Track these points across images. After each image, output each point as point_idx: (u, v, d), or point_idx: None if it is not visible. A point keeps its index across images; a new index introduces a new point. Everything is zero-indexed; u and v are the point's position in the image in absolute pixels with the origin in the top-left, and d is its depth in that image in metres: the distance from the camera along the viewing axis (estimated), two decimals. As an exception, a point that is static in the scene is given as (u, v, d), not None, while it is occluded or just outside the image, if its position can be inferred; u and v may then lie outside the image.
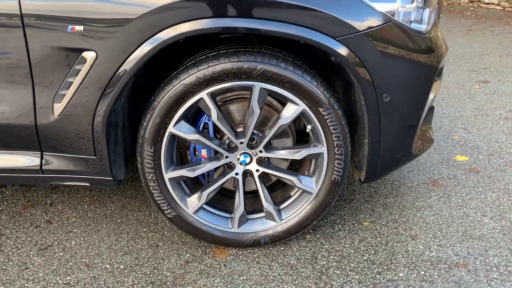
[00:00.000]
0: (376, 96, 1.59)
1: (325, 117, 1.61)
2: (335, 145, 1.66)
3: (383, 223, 2.02)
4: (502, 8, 8.35)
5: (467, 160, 2.61)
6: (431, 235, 1.94)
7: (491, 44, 5.69)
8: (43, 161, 1.68)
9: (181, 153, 1.94)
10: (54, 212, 2.08)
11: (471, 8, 8.90)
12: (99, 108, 1.55)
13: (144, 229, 1.97)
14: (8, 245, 1.86)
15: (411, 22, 1.62)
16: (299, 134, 1.96)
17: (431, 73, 1.68)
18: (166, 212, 1.75)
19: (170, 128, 1.61)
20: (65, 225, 1.99)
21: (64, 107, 1.55)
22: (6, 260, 1.78)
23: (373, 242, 1.90)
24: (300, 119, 1.95)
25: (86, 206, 2.13)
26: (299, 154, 1.70)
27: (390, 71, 1.57)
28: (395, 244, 1.89)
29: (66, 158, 1.67)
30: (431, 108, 2.04)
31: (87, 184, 1.74)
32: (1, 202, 2.14)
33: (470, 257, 1.80)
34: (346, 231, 1.96)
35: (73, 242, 1.88)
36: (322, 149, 1.67)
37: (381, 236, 1.93)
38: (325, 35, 1.47)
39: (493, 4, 8.60)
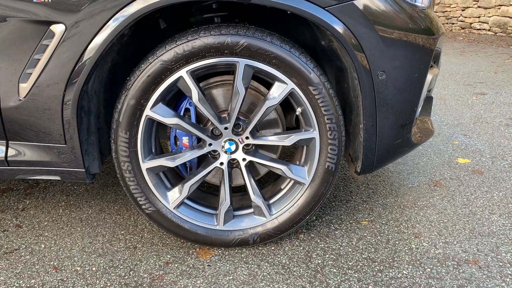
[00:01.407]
0: (370, 73, 1.46)
1: (316, 97, 1.49)
2: (328, 129, 1.53)
3: (383, 222, 1.86)
4: (493, 33, 8.44)
5: (470, 162, 2.47)
6: (436, 233, 1.77)
7: (485, 62, 5.67)
8: (9, 151, 1.53)
9: (162, 144, 1.79)
10: (25, 217, 1.92)
11: (463, 34, 9.00)
12: (68, 89, 1.42)
13: (122, 232, 1.80)
14: (-31, 249, 1.68)
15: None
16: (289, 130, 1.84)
17: (428, 51, 1.57)
18: (143, 207, 1.60)
19: (147, 111, 1.48)
20: (35, 229, 1.82)
21: (30, 88, 1.42)
22: (-35, 264, 1.60)
23: (373, 240, 1.73)
24: (290, 115, 1.85)
25: (60, 210, 1.97)
26: (289, 139, 1.56)
27: (384, 46, 1.45)
28: (397, 242, 1.71)
29: (34, 147, 1.53)
30: (430, 99, 1.92)
31: (57, 177, 1.58)
32: (-31, 207, 1.97)
33: (481, 253, 1.63)
34: (343, 230, 1.80)
35: (43, 246, 1.71)
36: (314, 133, 1.54)
37: (382, 234, 1.77)
38: (313, 4, 1.37)
39: (484, 30, 8.70)
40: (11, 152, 1.53)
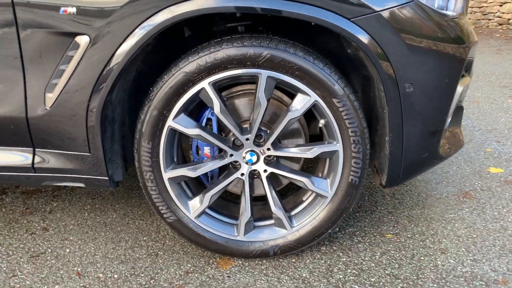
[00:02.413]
0: (397, 85, 1.42)
1: (340, 109, 1.46)
2: (352, 142, 1.49)
3: (408, 236, 1.81)
4: (533, 30, 8.07)
5: (503, 172, 2.37)
6: (463, 249, 1.71)
7: (523, 62, 5.43)
8: (36, 159, 1.57)
9: (185, 153, 1.80)
10: (52, 220, 1.96)
11: (500, 30, 8.66)
12: (93, 99, 1.44)
13: (145, 238, 1.82)
14: (-1, 251, 1.74)
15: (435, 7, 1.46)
16: (313, 139, 1.81)
17: (459, 61, 1.51)
18: (165, 216, 1.61)
19: (169, 122, 1.48)
20: (61, 233, 1.87)
21: (56, 98, 1.45)
22: (-6, 267, 1.65)
23: (397, 255, 1.68)
24: (315, 123, 1.82)
25: (86, 214, 2.01)
26: (312, 151, 1.54)
27: (412, 57, 1.40)
28: (422, 258, 1.66)
29: (59, 155, 1.56)
30: (460, 109, 1.85)
31: (81, 184, 1.62)
32: (-1, 209, 2.04)
33: (511, 273, 1.56)
34: (367, 244, 1.76)
35: (67, 250, 1.75)
36: (337, 146, 1.51)
37: (406, 249, 1.72)
38: (338, 15, 1.33)
39: (523, 26, 8.35)
40: (37, 159, 1.57)
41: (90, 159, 1.55)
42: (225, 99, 1.64)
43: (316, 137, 1.80)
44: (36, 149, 1.56)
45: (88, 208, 2.06)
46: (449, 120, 1.62)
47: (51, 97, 1.45)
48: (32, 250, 1.75)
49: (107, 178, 1.58)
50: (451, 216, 1.95)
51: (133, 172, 2.44)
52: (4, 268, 1.64)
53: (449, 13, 1.48)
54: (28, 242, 1.80)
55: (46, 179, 1.61)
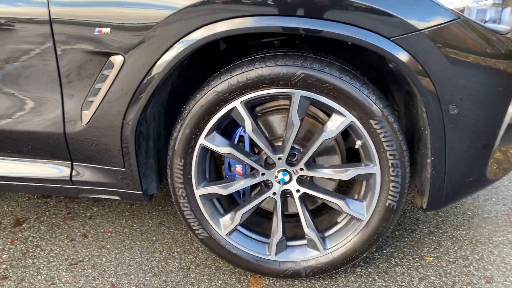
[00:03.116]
0: (440, 107, 1.34)
1: (378, 131, 1.39)
2: (390, 165, 1.43)
3: (451, 260, 1.71)
4: None
5: (561, 190, 2.19)
6: (511, 279, 1.59)
7: None
8: (73, 172, 1.61)
9: (219, 169, 1.80)
10: (91, 226, 2.02)
11: None
12: (127, 116, 1.46)
13: (178, 249, 1.84)
14: (41, 257, 1.81)
15: (486, 22, 1.35)
16: (351, 153, 1.74)
17: (510, 81, 1.39)
18: (197, 232, 1.61)
19: (201, 140, 1.48)
20: (99, 240, 1.92)
21: (92, 115, 1.48)
22: (36, 274, 1.72)
23: (437, 282, 1.60)
24: (352, 138, 1.75)
25: (123, 221, 2.05)
26: (347, 174, 1.48)
27: (457, 77, 1.31)
28: (464, 286, 1.57)
29: (96, 169, 1.60)
30: (512, 127, 1.72)
31: (117, 197, 1.65)
32: (44, 212, 2.12)
33: None
34: (405, 267, 1.68)
35: (104, 259, 1.79)
36: (374, 169, 1.45)
37: (447, 275, 1.63)
38: (376, 34, 1.26)
39: None
40: (75, 172, 1.61)
41: (125, 174, 1.57)
42: (258, 114, 1.62)
43: (354, 152, 1.73)
44: (74, 163, 1.61)
45: (126, 214, 2.10)
46: (498, 140, 1.51)
47: (87, 114, 1.48)
48: (71, 257, 1.81)
49: (141, 192, 1.61)
50: (500, 239, 1.82)
51: (170, 178, 2.47)
52: (44, 275, 1.71)
53: (502, 27, 1.36)
54: (68, 249, 1.86)
55: (84, 191, 1.66)
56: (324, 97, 1.37)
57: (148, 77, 1.39)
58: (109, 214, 2.12)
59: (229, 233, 1.61)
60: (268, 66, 1.35)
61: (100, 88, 1.44)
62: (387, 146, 1.40)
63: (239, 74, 1.37)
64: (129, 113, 1.45)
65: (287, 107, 1.58)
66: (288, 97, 1.40)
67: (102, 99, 1.45)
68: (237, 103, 1.41)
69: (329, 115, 1.47)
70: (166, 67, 1.36)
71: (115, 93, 1.43)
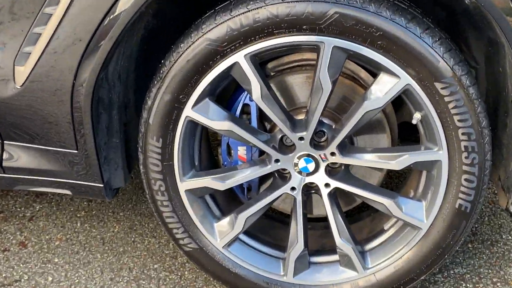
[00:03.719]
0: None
1: (446, 100, 1.38)
2: (463, 149, 1.42)
3: (547, 286, 1.70)
4: None
5: None
6: None
7: None
8: (4, 155, 1.61)
9: (214, 153, 1.80)
10: (32, 230, 2.03)
11: None
12: (80, 75, 1.45)
13: (155, 266, 1.85)
14: (-39, 274, 1.83)
15: None
16: (406, 130, 1.76)
17: None
18: (181, 242, 1.62)
19: (187, 111, 1.47)
20: (43, 251, 1.93)
21: (30, 73, 1.47)
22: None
23: (527, 318, 1.58)
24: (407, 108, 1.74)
25: (78, 224, 2.06)
26: (399, 161, 1.48)
27: None
28: None
29: (36, 151, 1.60)
30: None
31: (66, 191, 1.66)
32: (-35, 211, 2.14)
33: None
34: (480, 295, 1.68)
35: (50, 278, 1.81)
36: (440, 154, 1.45)
37: (542, 308, 1.61)
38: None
39: None
40: (6, 155, 1.61)
41: (78, 158, 1.57)
42: (271, 74, 1.61)
43: (411, 129, 1.71)
44: (4, 142, 1.60)
45: (82, 215, 2.11)
46: None
47: (22, 71, 1.47)
48: (4, 275, 1.82)
49: (101, 185, 1.61)
50: None
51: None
52: (-34, 300, 1.72)
53: None
54: (-1, 263, 1.88)
55: (20, 182, 1.66)
56: (367, 48, 1.35)
57: (111, 17, 1.37)
58: (57, 214, 2.12)
59: (228, 244, 1.62)
60: (286, 2, 1.32)
61: (40, 34, 1.42)
62: (459, 121, 1.39)
63: (243, 13, 1.35)
64: (82, 70, 1.44)
65: (313, 63, 1.55)
66: (315, 48, 1.39)
67: (44, 50, 1.43)
68: (240, 57, 1.39)
69: (374, 76, 1.46)
70: (136, 1, 1.34)
71: (63, 41, 1.41)
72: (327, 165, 1.53)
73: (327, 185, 1.55)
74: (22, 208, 2.15)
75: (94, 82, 1.44)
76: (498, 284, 1.73)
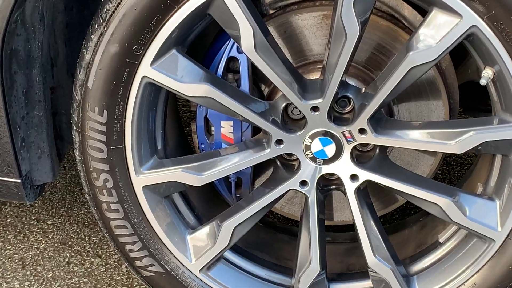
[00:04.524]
0: None
1: None
2: None
3: None
4: None
5: None
6: None
7: None
8: None
9: (185, 132, 1.80)
10: None
11: None
12: None
13: None
14: None
15: None
16: (471, 96, 1.79)
17: None
18: (138, 264, 1.65)
19: (145, 69, 1.48)
20: None
21: None
22: None
23: None
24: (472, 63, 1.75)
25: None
26: (461, 141, 1.49)
27: None
28: None
29: None
30: None
31: None
32: None
33: None
34: None
35: None
36: None
37: None
38: None
39: None
40: None
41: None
42: (270, 12, 1.62)
43: (478, 94, 1.75)
44: None
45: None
46: None
47: None
48: None
49: (18, 180, 1.63)
50: None
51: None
52: None
53: None
54: None
55: None
56: (413, -27, 1.36)
57: None
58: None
59: (207, 267, 1.65)
60: None
61: None
62: (549, 80, 1.40)
63: None
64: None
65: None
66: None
67: None
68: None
69: (424, 14, 1.46)
70: None
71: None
72: (354, 147, 1.56)
73: (354, 177, 1.57)
74: None
75: (5, 26, 1.45)
76: None
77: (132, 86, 1.49)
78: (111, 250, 2.01)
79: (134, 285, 1.91)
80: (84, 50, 1.50)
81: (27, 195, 1.65)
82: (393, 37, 1.61)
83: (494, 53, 1.40)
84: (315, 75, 1.59)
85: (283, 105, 1.55)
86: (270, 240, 1.81)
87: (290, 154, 1.58)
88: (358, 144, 1.55)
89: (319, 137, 1.53)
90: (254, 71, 1.63)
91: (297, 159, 1.57)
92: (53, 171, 1.70)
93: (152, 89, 1.52)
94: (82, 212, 2.17)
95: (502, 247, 1.54)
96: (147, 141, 1.58)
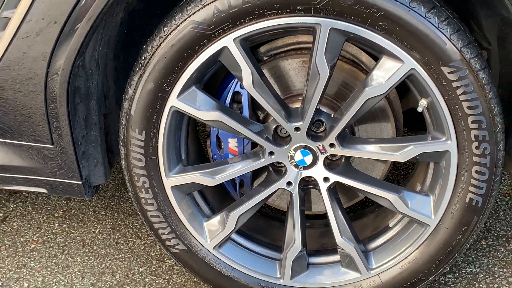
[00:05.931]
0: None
1: (454, 85, 1.39)
2: (473, 138, 1.44)
3: None
4: None
5: None
6: None
7: None
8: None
9: (202, 146, 1.82)
10: (6, 232, 2.05)
11: None
12: (55, 61, 1.46)
13: (141, 269, 1.87)
14: None
15: None
16: (412, 119, 1.78)
17: None
18: (168, 244, 1.64)
19: (173, 100, 1.48)
20: (18, 255, 1.94)
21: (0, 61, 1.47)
22: None
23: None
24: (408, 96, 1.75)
25: (56, 225, 2.07)
26: (404, 152, 1.49)
27: None
28: None
29: (7, 146, 1.61)
30: None
31: (42, 190, 1.67)
32: None
33: None
34: (494, 297, 1.70)
35: (26, 285, 1.82)
36: (448, 144, 1.47)
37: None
38: None
39: None
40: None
41: (53, 153, 1.58)
42: (264, 59, 1.62)
43: (417, 118, 1.72)
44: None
45: (60, 214, 2.13)
46: None
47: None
48: (-25, 282, 1.84)
49: (79, 182, 1.62)
50: None
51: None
52: None
53: None
54: (-30, 268, 1.89)
55: (-10, 180, 1.67)
56: (368, 30, 1.36)
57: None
58: (33, 214, 2.14)
59: (219, 245, 1.64)
60: (279, -20, 1.34)
61: (10, 18, 1.43)
62: (468, 108, 1.40)
63: (231, -7, 1.36)
64: (57, 57, 1.45)
65: (309, 46, 1.57)
66: (311, 31, 1.39)
67: (14, 34, 1.44)
68: (229, 41, 1.40)
69: (376, 59, 1.46)
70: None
71: (35, 24, 1.42)
72: (326, 157, 1.55)
73: (326, 179, 1.57)
74: (-6, 208, 2.17)
75: (70, 70, 1.45)
76: (514, 284, 1.75)
77: (163, 113, 1.50)
78: (148, 233, 2.00)
79: (165, 259, 1.90)
80: (128, 87, 1.50)
81: (86, 193, 1.64)
82: (354, 76, 1.60)
83: (428, 88, 1.41)
84: (297, 105, 1.58)
85: (274, 127, 1.56)
86: (265, 226, 1.81)
87: (279, 162, 1.58)
88: (329, 155, 1.54)
89: (300, 149, 1.54)
90: (252, 102, 1.63)
91: (284, 166, 1.57)
92: (105, 175, 1.70)
93: (178, 115, 1.53)
94: (127, 205, 2.16)
95: (434, 230, 1.55)
96: (174, 153, 1.58)
